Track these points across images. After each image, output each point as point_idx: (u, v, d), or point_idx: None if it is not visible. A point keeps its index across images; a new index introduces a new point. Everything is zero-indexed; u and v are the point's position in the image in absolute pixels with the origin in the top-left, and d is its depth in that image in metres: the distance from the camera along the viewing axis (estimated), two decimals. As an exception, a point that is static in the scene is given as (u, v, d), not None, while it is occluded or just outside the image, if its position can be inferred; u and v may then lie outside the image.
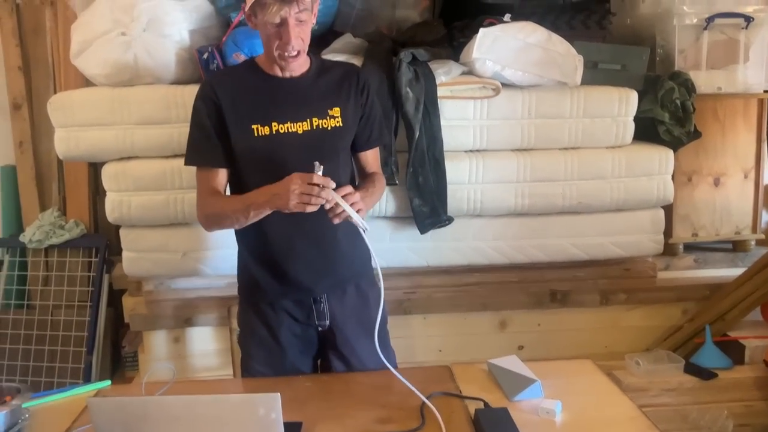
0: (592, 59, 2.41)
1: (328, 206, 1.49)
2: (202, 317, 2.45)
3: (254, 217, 1.59)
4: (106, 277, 2.89)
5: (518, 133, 2.39)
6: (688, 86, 2.49)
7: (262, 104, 1.63)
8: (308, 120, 1.63)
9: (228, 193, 1.74)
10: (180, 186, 2.27)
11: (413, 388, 1.46)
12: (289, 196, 1.46)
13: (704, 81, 2.56)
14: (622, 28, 2.77)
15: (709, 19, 2.55)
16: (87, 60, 2.30)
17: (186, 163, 1.70)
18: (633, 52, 2.48)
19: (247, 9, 1.57)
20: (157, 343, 2.48)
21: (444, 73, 2.30)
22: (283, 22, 1.53)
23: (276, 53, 1.58)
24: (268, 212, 1.57)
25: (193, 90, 2.23)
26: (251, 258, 1.75)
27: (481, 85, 2.32)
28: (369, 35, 2.51)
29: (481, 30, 2.29)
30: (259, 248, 1.72)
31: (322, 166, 1.48)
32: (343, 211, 1.49)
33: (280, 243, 1.69)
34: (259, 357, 1.77)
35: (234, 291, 2.40)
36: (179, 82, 2.34)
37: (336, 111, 1.66)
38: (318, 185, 1.46)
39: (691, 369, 2.39)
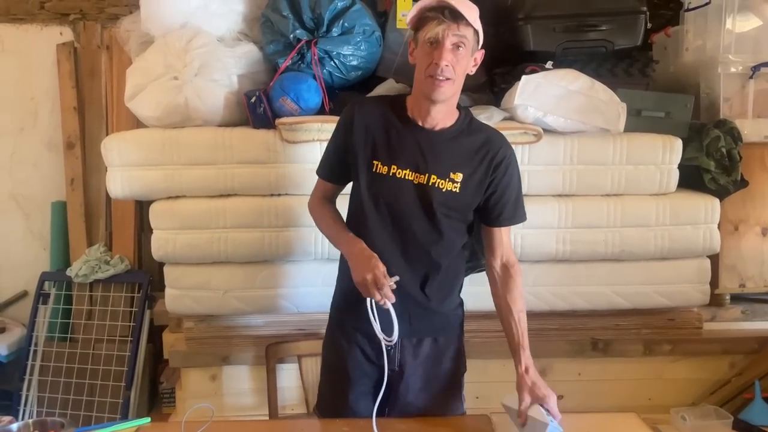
0: (635, 107, 2.41)
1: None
2: (239, 356, 2.46)
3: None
4: (147, 312, 2.93)
5: (560, 179, 2.38)
6: (734, 134, 2.46)
7: (391, 144, 1.66)
8: (427, 175, 1.63)
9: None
10: (224, 225, 2.31)
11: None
12: (360, 281, 1.57)
13: (751, 129, 2.53)
14: (665, 76, 2.76)
15: (755, 68, 2.53)
16: (140, 103, 2.39)
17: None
18: (677, 100, 2.47)
19: (409, 25, 1.62)
20: (194, 381, 2.50)
21: (485, 119, 2.31)
22: (438, 41, 1.54)
23: (425, 74, 1.57)
24: None
25: (240, 132, 2.34)
26: (343, 285, 1.80)
27: (522, 130, 2.33)
28: (411, 80, 2.54)
29: (524, 77, 2.31)
30: (350, 278, 1.72)
31: (397, 278, 1.56)
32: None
33: None
34: (329, 384, 1.84)
35: (272, 330, 2.46)
36: (227, 124, 2.41)
37: (458, 176, 1.64)
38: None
39: (740, 426, 2.30)
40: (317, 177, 1.85)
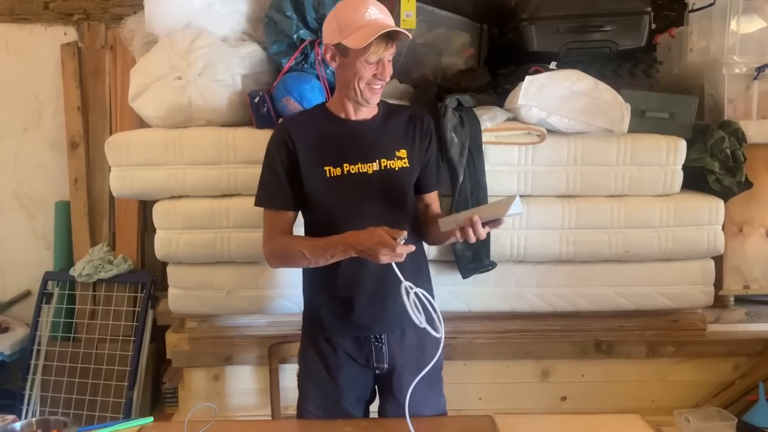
0: (639, 107, 2.40)
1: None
2: (242, 356, 2.47)
3: (332, 261, 1.65)
4: (150, 312, 2.93)
5: (563, 180, 2.38)
6: (739, 136, 2.45)
7: (334, 146, 1.70)
8: (377, 161, 1.71)
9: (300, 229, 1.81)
10: (227, 225, 2.32)
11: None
12: (380, 257, 1.52)
13: (755, 130, 2.52)
14: (669, 77, 2.75)
15: (759, 69, 2.52)
16: (144, 102, 2.39)
17: (256, 204, 1.77)
18: (681, 101, 2.46)
19: (347, 42, 1.61)
20: (197, 381, 2.50)
21: (489, 119, 2.32)
22: (380, 60, 1.64)
23: (362, 86, 1.65)
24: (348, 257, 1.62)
25: (243, 132, 2.34)
26: (316, 291, 1.79)
27: (526, 131, 2.33)
28: (415, 81, 2.55)
29: (527, 77, 2.31)
30: (325, 282, 1.75)
31: (405, 233, 1.53)
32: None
33: (346, 278, 1.72)
34: (314, 397, 1.79)
35: (275, 330, 2.46)
36: (230, 124, 2.41)
37: (403, 153, 1.74)
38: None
39: (744, 428, 2.29)
40: (265, 213, 1.76)
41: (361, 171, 1.69)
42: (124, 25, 2.80)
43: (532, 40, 2.50)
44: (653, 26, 2.55)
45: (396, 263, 1.55)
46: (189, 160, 2.32)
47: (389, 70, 1.66)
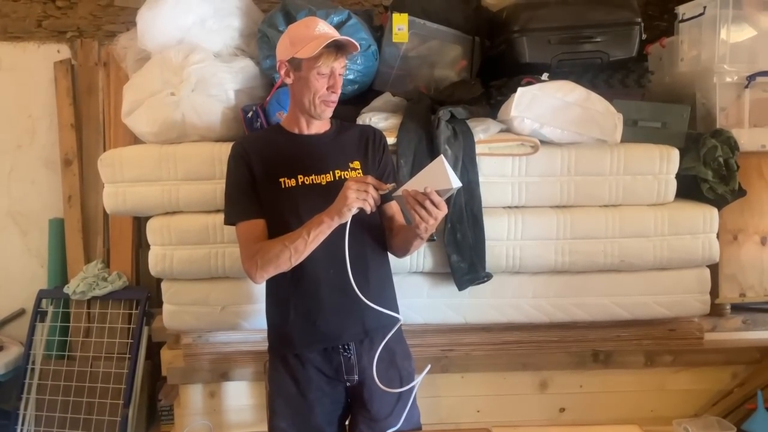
0: (631, 117, 2.41)
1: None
2: (238, 372, 2.45)
3: (312, 242, 1.62)
4: (145, 329, 2.92)
5: (557, 190, 2.38)
6: (731, 144, 2.46)
7: (288, 159, 1.75)
8: (331, 172, 1.74)
9: None
10: (221, 240, 2.31)
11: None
12: (347, 195, 1.53)
13: (747, 139, 2.53)
14: (661, 86, 2.77)
15: (750, 77, 2.54)
16: (137, 119, 2.39)
17: (228, 222, 1.78)
18: (673, 110, 2.47)
19: (298, 57, 1.67)
20: (193, 397, 2.48)
21: (482, 131, 2.32)
22: (332, 73, 1.70)
23: (318, 100, 1.71)
24: (327, 232, 1.61)
25: None
26: (279, 308, 1.80)
27: (519, 142, 2.33)
28: (408, 94, 2.56)
29: (520, 89, 2.32)
30: (287, 297, 1.76)
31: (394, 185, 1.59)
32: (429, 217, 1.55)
33: (308, 290, 1.73)
34: (286, 415, 1.79)
35: (271, 346, 2.44)
36: (224, 139, 2.41)
37: (357, 164, 1.79)
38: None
39: (744, 437, 2.28)
40: (239, 229, 1.74)
41: (315, 182, 1.73)
42: (117, 41, 2.80)
43: (524, 52, 2.51)
44: (644, 36, 2.56)
45: (361, 279, 1.58)
46: (183, 176, 2.31)
47: (340, 84, 1.71)
